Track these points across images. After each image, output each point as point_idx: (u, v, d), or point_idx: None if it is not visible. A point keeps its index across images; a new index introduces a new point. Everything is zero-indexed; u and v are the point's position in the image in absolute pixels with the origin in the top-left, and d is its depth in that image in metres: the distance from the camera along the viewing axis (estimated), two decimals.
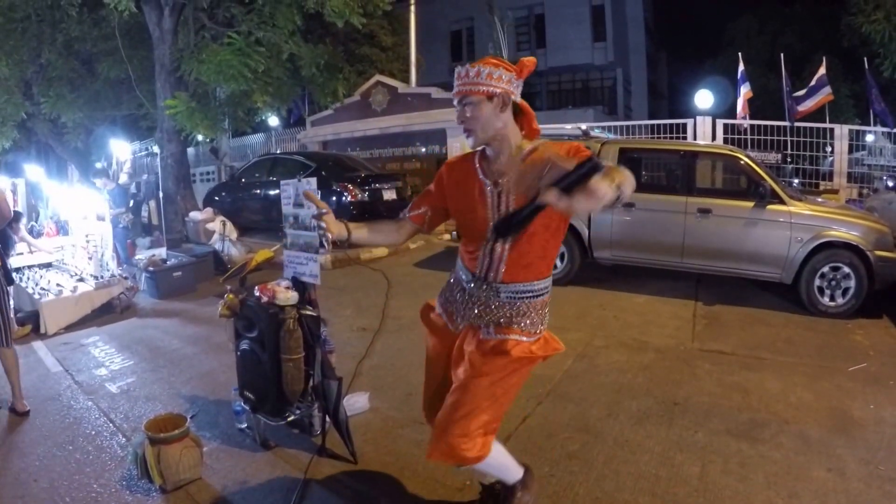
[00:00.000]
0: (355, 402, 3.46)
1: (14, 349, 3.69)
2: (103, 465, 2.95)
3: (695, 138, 8.59)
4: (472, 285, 2.00)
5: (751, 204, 5.24)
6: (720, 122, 8.66)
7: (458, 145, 10.72)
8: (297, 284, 3.12)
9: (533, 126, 1.93)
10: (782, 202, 5.15)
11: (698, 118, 8.84)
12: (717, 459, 2.79)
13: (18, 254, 6.46)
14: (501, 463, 2.14)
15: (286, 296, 2.99)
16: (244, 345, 3.11)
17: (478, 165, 1.96)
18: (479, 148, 1.95)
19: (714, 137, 8.52)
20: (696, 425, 3.15)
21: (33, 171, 9.71)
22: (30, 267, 6.29)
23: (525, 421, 3.26)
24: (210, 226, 8.88)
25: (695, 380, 3.79)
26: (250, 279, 4.99)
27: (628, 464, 2.78)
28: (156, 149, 10.48)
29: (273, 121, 15.50)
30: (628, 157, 5.97)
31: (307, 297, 3.12)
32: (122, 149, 9.83)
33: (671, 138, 8.75)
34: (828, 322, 4.92)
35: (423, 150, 11.81)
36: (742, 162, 5.50)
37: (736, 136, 8.48)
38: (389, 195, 9.03)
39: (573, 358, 4.22)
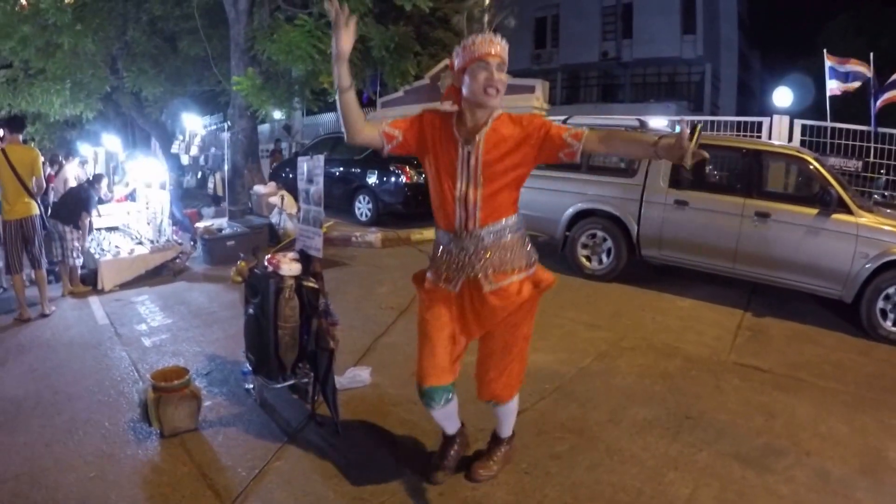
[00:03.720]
0: (356, 376, 3.70)
1: (44, 271, 5.31)
2: (119, 408, 3.37)
3: (770, 138, 8.16)
4: (455, 241, 2.27)
5: (814, 211, 4.96)
6: (798, 123, 8.16)
7: None
8: (304, 257, 3.37)
9: None
10: (849, 212, 4.84)
11: (775, 117, 8.42)
12: (714, 483, 2.67)
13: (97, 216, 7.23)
14: (515, 409, 2.61)
15: (289, 267, 3.25)
16: (250, 309, 3.41)
17: (454, 124, 2.22)
18: (455, 109, 2.23)
19: (791, 138, 8.05)
20: (703, 443, 3.02)
21: (111, 140, 10.79)
22: (98, 229, 7.05)
23: (520, 415, 3.21)
24: (272, 199, 9.47)
25: (718, 394, 3.66)
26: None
27: (612, 474, 2.73)
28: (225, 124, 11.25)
29: None
30: None
31: (311, 269, 3.37)
32: (193, 122, 10.66)
33: (746, 136, 8.36)
34: (886, 349, 4.59)
35: None
36: (808, 165, 5.21)
37: (816, 140, 7.95)
38: None
39: (593, 357, 4.23)
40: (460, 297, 2.33)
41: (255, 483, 2.61)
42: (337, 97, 2.11)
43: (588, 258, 6.33)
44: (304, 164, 3.41)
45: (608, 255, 6.16)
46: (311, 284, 3.29)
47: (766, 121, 8.47)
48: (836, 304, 5.13)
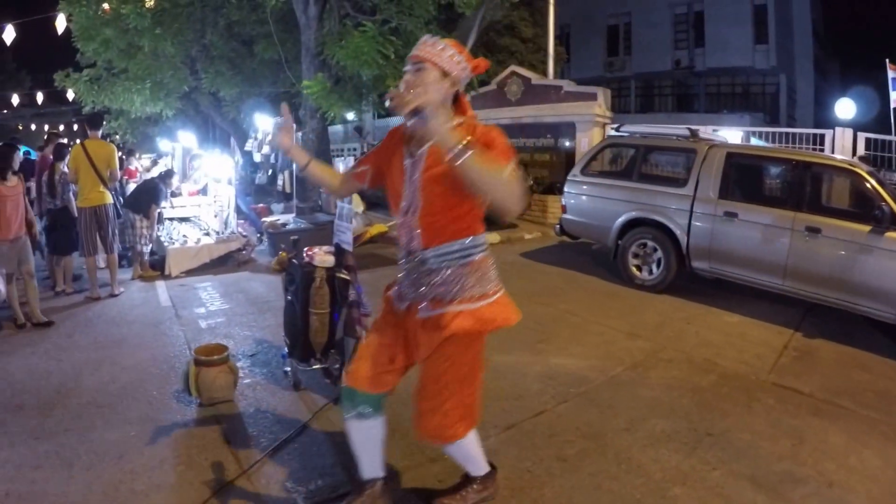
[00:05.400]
0: None
1: (115, 255, 5.93)
2: (167, 380, 3.76)
3: (832, 151, 7.78)
4: (405, 261, 2.13)
5: (867, 228, 4.75)
6: (861, 136, 7.74)
7: (587, 140, 10.74)
8: (339, 251, 3.63)
9: (465, 109, 2.06)
10: None
11: (837, 130, 8.09)
12: None
13: (165, 208, 7.88)
14: (468, 452, 2.29)
15: (322, 258, 3.53)
16: (288, 296, 3.71)
17: (403, 135, 2.11)
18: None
19: (854, 151, 7.64)
20: (719, 462, 2.94)
21: (186, 137, 11.66)
22: (170, 219, 7.69)
23: (538, 416, 3.39)
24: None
25: (747, 413, 3.56)
26: (356, 250, 5.72)
27: (615, 482, 2.73)
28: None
29: None
30: (736, 164, 5.68)
31: (344, 262, 3.62)
32: (265, 122, 11.32)
33: (810, 149, 8.04)
34: None
35: (553, 142, 11.96)
36: (862, 179, 4.98)
37: (882, 154, 7.51)
38: None
39: (626, 366, 4.24)
40: (406, 317, 2.16)
41: (273, 453, 2.87)
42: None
43: (639, 268, 6.30)
44: (339, 165, 3.67)
45: (658, 265, 6.11)
46: (343, 276, 3.54)
47: (828, 133, 8.19)
48: (894, 328, 4.88)
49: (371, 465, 2.30)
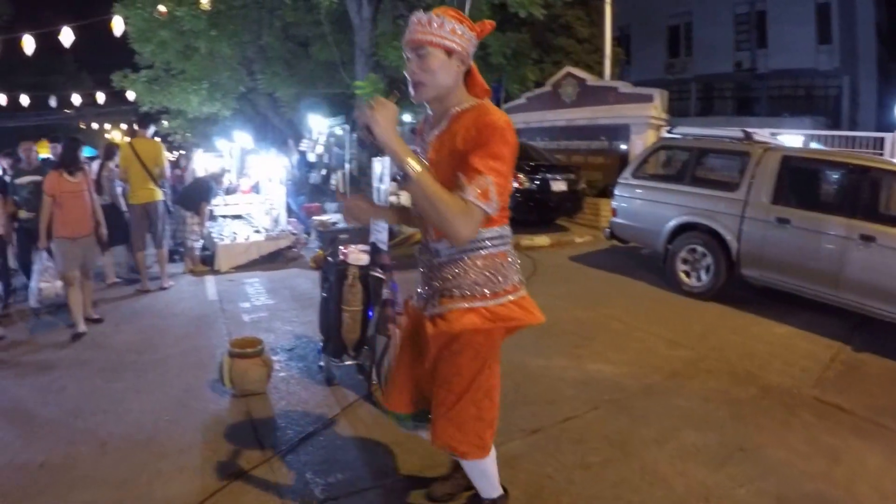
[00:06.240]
0: None
1: (165, 250, 6.18)
2: (205, 369, 3.92)
3: (892, 155, 7.29)
4: (421, 253, 2.06)
5: None
6: None
7: (641, 143, 10.49)
8: (375, 249, 3.70)
9: (479, 85, 1.93)
10: None
11: None
12: None
13: (217, 205, 8.23)
14: (483, 471, 2.14)
15: (356, 257, 3.61)
16: (323, 293, 3.81)
17: (423, 127, 2.01)
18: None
19: None
20: (746, 479, 2.83)
21: (242, 137, 12.10)
22: (223, 216, 8.01)
23: (566, 421, 3.35)
24: (392, 198, 10.09)
25: (783, 429, 3.41)
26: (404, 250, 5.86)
27: (636, 493, 2.67)
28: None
29: None
30: (791, 168, 5.42)
31: (379, 261, 3.69)
32: (319, 123, 11.62)
33: (869, 153, 7.58)
34: None
35: (608, 144, 11.75)
36: None
37: None
38: (559, 187, 9.28)
39: (664, 375, 4.14)
40: (423, 319, 2.01)
41: (297, 444, 2.97)
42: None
43: (687, 274, 6.11)
44: (376, 164, 3.75)
45: (707, 272, 5.92)
46: (377, 274, 3.61)
47: (888, 137, 7.72)
48: None
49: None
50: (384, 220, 2.15)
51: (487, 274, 1.89)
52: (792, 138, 8.33)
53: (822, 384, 4.13)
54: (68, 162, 4.76)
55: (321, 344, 3.90)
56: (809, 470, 2.98)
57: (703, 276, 5.95)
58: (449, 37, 1.77)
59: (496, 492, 2.22)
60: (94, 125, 30.44)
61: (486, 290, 1.88)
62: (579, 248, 8.80)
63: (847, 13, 22.21)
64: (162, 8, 10.10)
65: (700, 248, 5.96)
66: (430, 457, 2.85)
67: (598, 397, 3.67)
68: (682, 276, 6.13)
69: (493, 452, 2.12)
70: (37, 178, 5.35)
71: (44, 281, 4.92)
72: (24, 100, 15.90)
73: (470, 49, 1.83)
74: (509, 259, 1.95)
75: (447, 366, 1.96)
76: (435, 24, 1.76)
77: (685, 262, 6.13)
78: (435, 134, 1.90)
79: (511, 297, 1.91)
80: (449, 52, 1.78)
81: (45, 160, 6.74)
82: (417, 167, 1.62)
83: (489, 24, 1.89)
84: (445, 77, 1.80)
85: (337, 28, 10.96)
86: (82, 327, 4.66)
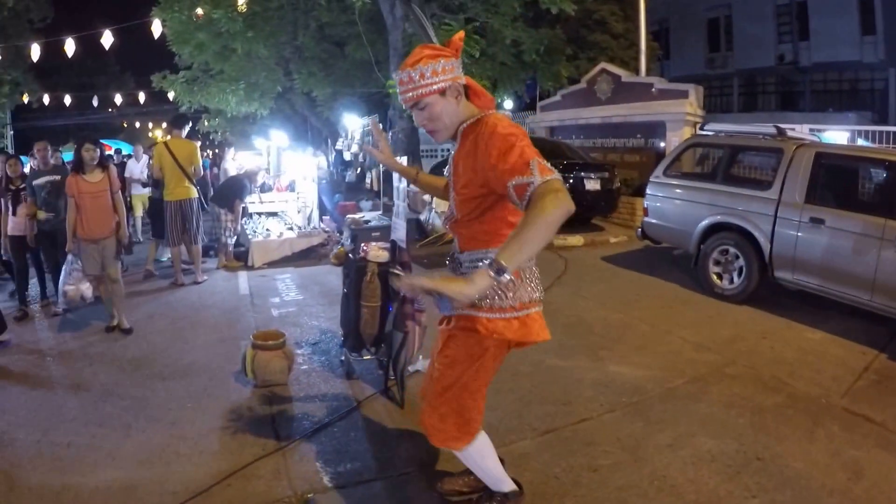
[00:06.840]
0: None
1: (200, 246, 6.32)
2: (231, 360, 4.08)
3: None
4: (450, 261, 2.17)
5: None
6: None
7: (677, 139, 10.29)
8: (395, 247, 3.78)
9: (480, 94, 1.97)
10: None
11: None
12: None
13: (251, 203, 8.46)
14: (475, 463, 2.23)
15: (376, 254, 3.68)
16: (344, 288, 3.91)
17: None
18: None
19: None
20: (760, 490, 2.73)
21: (278, 136, 12.39)
22: (259, 214, 8.25)
23: (580, 423, 3.34)
24: (425, 197, 10.20)
25: (806, 439, 3.29)
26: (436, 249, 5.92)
27: (643, 498, 2.63)
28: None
29: (508, 104, 16.73)
30: (825, 165, 5.23)
31: (399, 258, 3.76)
32: (353, 123, 11.82)
33: None
34: None
35: (643, 142, 11.58)
36: None
37: None
38: (593, 185, 9.20)
39: (687, 379, 4.07)
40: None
41: (311, 434, 3.08)
42: None
43: (719, 276, 5.98)
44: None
45: (739, 274, 5.77)
46: (395, 271, 3.68)
47: None
48: None
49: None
50: (408, 177, 2.43)
51: (500, 290, 1.94)
52: (836, 135, 8.02)
53: (853, 394, 3.96)
54: (75, 165, 4.74)
55: (342, 338, 4.01)
56: (828, 483, 2.87)
57: (735, 279, 5.81)
58: (434, 80, 1.83)
59: (505, 486, 2.30)
60: (137, 124, 31.56)
61: (490, 303, 1.95)
62: (613, 248, 8.71)
63: (891, 2, 21.20)
64: (199, 10, 10.34)
65: (732, 250, 5.83)
66: (440, 451, 2.88)
67: (616, 400, 3.64)
68: (714, 278, 6.00)
69: (489, 446, 2.21)
70: (54, 177, 5.39)
71: (69, 284, 5.04)
72: (67, 99, 16.69)
73: (457, 73, 1.88)
74: (524, 276, 1.99)
75: (441, 364, 2.10)
76: (417, 77, 1.83)
77: (717, 263, 5.99)
78: (453, 154, 2.03)
79: (517, 314, 1.97)
80: (442, 92, 1.85)
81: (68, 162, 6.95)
82: (504, 263, 1.56)
83: (457, 37, 1.93)
84: (451, 114, 1.90)
85: (371, 28, 11.10)
86: (116, 322, 4.81)
